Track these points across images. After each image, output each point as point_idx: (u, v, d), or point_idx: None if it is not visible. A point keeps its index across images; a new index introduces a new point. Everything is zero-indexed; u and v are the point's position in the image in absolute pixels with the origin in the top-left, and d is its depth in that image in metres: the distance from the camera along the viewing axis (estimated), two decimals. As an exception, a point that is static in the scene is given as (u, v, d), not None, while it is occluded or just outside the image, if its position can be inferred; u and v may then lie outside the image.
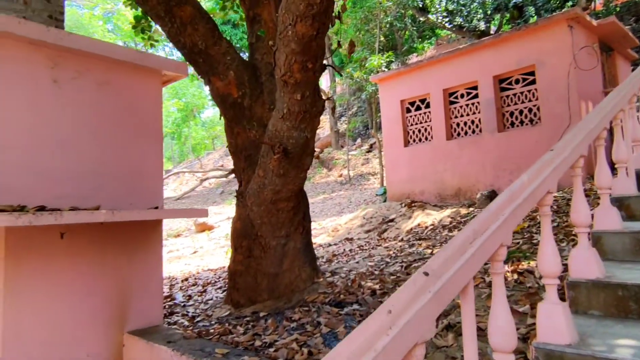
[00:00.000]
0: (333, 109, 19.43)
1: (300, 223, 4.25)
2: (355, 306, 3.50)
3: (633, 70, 8.57)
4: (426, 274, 1.48)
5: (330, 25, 3.71)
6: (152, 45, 6.62)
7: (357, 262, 5.05)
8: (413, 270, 4.13)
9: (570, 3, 12.36)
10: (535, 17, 13.39)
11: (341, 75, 19.24)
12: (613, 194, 3.54)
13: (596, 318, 2.49)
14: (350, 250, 6.26)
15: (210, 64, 4.27)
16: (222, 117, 4.56)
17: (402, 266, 4.41)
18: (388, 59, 12.44)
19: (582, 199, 2.65)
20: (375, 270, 4.45)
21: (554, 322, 2.19)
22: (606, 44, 7.93)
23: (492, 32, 14.66)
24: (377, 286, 3.76)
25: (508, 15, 14.77)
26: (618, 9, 20.22)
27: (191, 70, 5.50)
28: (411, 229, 6.80)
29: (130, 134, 3.43)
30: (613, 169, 3.61)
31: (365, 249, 6.06)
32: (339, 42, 4.30)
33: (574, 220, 2.67)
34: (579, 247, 2.66)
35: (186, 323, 3.85)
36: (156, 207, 3.43)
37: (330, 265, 5.14)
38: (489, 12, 14.93)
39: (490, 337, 1.86)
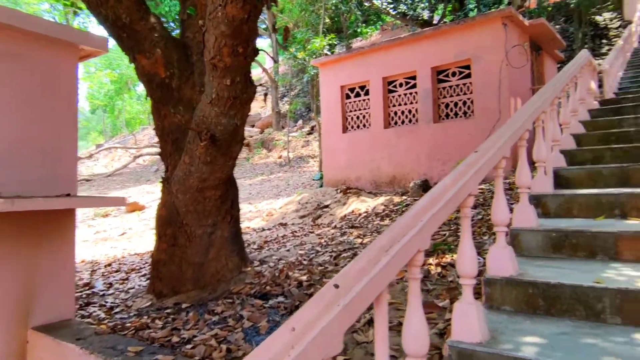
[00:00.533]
0: (275, 88, 19.12)
1: (228, 212, 4.11)
2: (281, 298, 3.45)
3: (559, 69, 9.06)
4: (336, 286, 1.42)
5: (266, 7, 3.54)
6: (75, 13, 6.08)
7: (288, 250, 5.00)
8: (341, 261, 4.14)
9: (507, 0, 12.80)
10: (475, 10, 13.76)
11: (276, 62, 18.93)
12: (532, 192, 3.70)
13: (508, 314, 2.60)
14: (283, 236, 6.21)
15: (135, 40, 3.97)
16: (147, 98, 4.28)
17: (331, 256, 4.41)
18: (331, 41, 12.34)
19: (502, 199, 2.72)
20: (305, 259, 4.42)
21: (468, 321, 2.25)
22: (536, 43, 8.30)
23: (435, 21, 14.93)
24: (304, 277, 3.73)
25: (450, 6, 15.07)
26: (550, 8, 21.32)
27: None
28: (345, 216, 6.86)
29: (42, 113, 3.11)
30: (533, 168, 3.78)
31: (298, 236, 6.03)
32: (287, 28, 4.14)
33: (493, 219, 2.75)
34: (497, 245, 2.75)
35: (102, 315, 3.63)
36: (68, 194, 3.15)
37: (261, 253, 5.06)
38: (432, 1, 15.16)
39: (404, 342, 1.86)
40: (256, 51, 3.54)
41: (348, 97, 9.02)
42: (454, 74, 7.57)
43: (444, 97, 7.68)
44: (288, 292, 3.55)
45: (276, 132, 19.51)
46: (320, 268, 3.99)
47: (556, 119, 4.23)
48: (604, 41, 21.39)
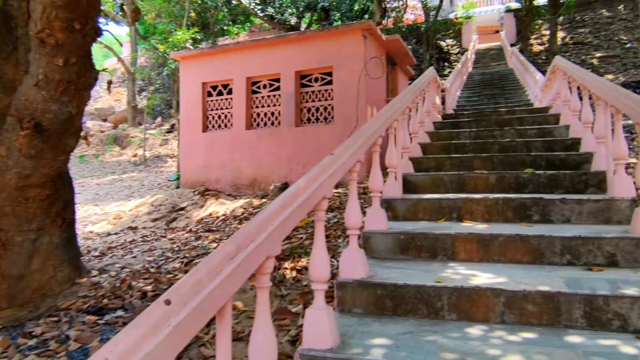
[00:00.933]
0: (132, 81, 17.63)
1: (59, 214, 3.53)
2: (120, 312, 3.04)
3: (409, 84, 9.85)
4: (168, 302, 1.21)
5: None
6: None
7: (135, 257, 4.51)
8: (193, 267, 3.84)
9: (367, 16, 13.64)
10: (340, 21, 14.38)
11: (134, 52, 17.55)
12: (383, 196, 3.86)
13: (358, 316, 2.61)
14: (132, 241, 5.62)
15: None
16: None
17: (182, 262, 4.08)
18: (194, 35, 11.75)
19: (356, 203, 2.74)
20: (153, 267, 4.01)
21: (319, 327, 2.18)
22: (391, 58, 8.93)
23: (302, 28, 15.24)
24: (149, 287, 3.36)
25: (317, 15, 15.51)
26: (404, 29, 23.44)
27: None
28: (202, 219, 6.50)
29: None
30: (385, 173, 3.96)
31: (149, 240, 5.51)
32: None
33: (347, 222, 2.75)
34: (349, 248, 2.76)
35: None
36: None
37: (102, 261, 4.48)
38: (300, 9, 15.45)
39: (250, 354, 1.71)
40: (98, 31, 3.09)
41: (210, 95, 8.64)
42: (316, 80, 7.74)
43: (307, 101, 7.80)
44: (129, 304, 3.15)
45: (132, 128, 17.98)
46: (169, 276, 3.64)
47: (406, 128, 4.51)
48: (446, 64, 24.23)
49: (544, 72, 17.27)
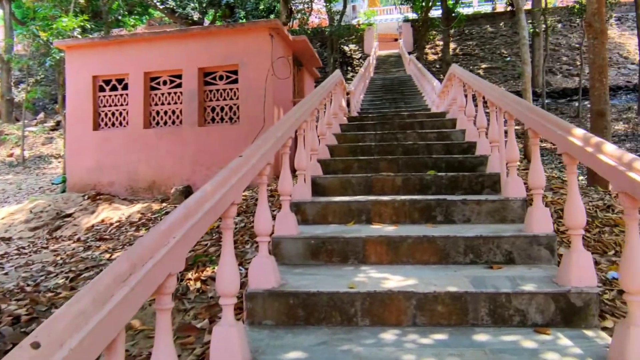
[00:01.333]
0: (7, 71, 15.64)
1: None
2: (-15, 343, 2.55)
3: (316, 86, 9.90)
4: (36, 345, 0.95)
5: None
6: None
7: (7, 274, 3.89)
8: (81, 282, 3.39)
9: (273, 16, 13.50)
10: (245, 20, 14.07)
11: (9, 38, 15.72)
12: (293, 200, 3.75)
13: (270, 329, 2.46)
14: (4, 254, 4.88)
15: None
16: None
17: (67, 278, 3.59)
18: (84, 23, 10.68)
19: (265, 208, 2.59)
20: (29, 284, 3.48)
21: (228, 346, 1.99)
22: (298, 59, 8.89)
23: (205, 25, 14.63)
24: (23, 310, 2.88)
25: (221, 12, 15.03)
26: (309, 32, 23.71)
27: None
28: (93, 226, 5.88)
29: None
30: (294, 176, 3.85)
31: (26, 253, 4.83)
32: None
33: (256, 229, 2.59)
34: (259, 256, 2.59)
35: None
36: None
37: (-36, 280, 3.80)
38: (203, 4, 14.86)
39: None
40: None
41: (102, 89, 7.89)
42: (221, 78, 7.42)
43: (211, 100, 7.45)
44: (-3, 332, 2.67)
45: (7, 124, 15.95)
46: (49, 295, 3.17)
47: (315, 130, 4.45)
48: (349, 68, 24.97)
49: (438, 79, 18.50)
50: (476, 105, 5.01)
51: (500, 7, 28.29)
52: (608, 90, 6.53)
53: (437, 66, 23.34)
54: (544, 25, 19.36)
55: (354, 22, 27.86)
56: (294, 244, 3.12)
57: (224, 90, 7.40)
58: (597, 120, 6.51)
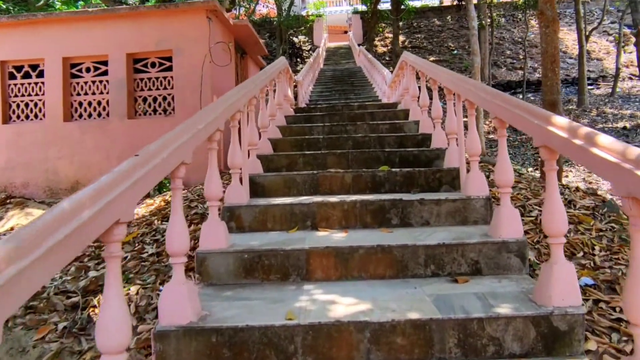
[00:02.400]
0: None
1: None
2: None
3: (261, 76, 9.27)
4: None
5: None
6: None
7: None
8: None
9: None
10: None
11: None
12: (226, 204, 3.19)
13: (186, 377, 1.92)
14: None
15: None
16: None
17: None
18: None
19: (181, 222, 2.03)
20: None
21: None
22: (241, 46, 8.24)
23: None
24: None
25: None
26: (257, 21, 22.90)
27: None
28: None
29: None
30: (228, 175, 3.29)
31: None
32: None
33: (169, 248, 2.02)
34: (173, 282, 2.02)
35: None
36: None
37: None
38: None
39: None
40: None
41: (13, 77, 6.89)
42: (153, 65, 6.66)
43: (142, 89, 6.67)
44: None
45: None
46: None
47: (254, 122, 3.89)
48: (299, 60, 24.39)
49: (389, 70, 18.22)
50: (431, 97, 4.63)
51: (447, 1, 28.58)
52: (559, 80, 6.36)
53: (387, 58, 23.22)
54: (489, 20, 19.60)
55: (303, 12, 27.26)
56: (223, 259, 2.57)
57: (157, 78, 6.64)
58: (549, 110, 6.33)
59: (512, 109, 2.47)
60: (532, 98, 19.56)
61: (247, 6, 18.18)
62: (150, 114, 6.65)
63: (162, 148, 1.91)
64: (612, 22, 24.73)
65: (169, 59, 6.60)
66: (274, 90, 5.41)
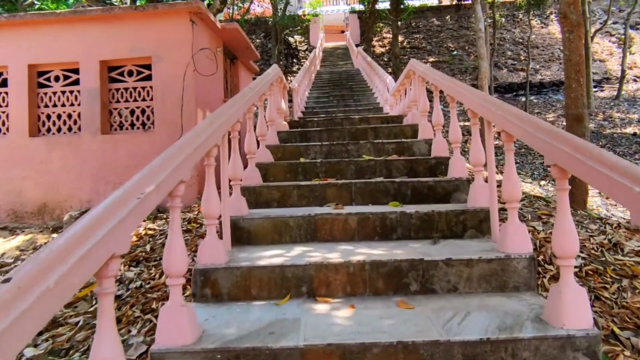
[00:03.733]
0: None
1: None
2: None
3: (253, 83, 8.57)
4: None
5: None
6: None
7: None
8: None
9: (206, 2, 11.94)
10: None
11: None
12: (198, 265, 2.51)
13: None
14: None
15: None
16: None
17: None
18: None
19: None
20: None
21: None
22: (231, 51, 7.53)
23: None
24: None
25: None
26: (251, 20, 22.15)
27: None
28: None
29: None
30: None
31: None
32: None
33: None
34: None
35: None
36: None
37: None
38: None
39: None
40: None
41: (-26, 86, 6.18)
42: (131, 74, 5.94)
43: (118, 101, 5.96)
44: None
45: None
46: None
47: (237, 150, 3.20)
48: (295, 60, 23.68)
49: (389, 74, 17.56)
50: (448, 112, 3.96)
51: (446, 1, 27.97)
52: (585, 91, 5.70)
53: (385, 59, 22.56)
54: (490, 20, 18.97)
55: (300, 12, 26.54)
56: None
57: (135, 89, 5.92)
58: (573, 125, 5.67)
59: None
60: (535, 101, 18.97)
61: (241, 5, 17.42)
62: (127, 129, 5.93)
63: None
64: (614, 23, 24.14)
65: (148, 67, 5.88)
66: (265, 105, 4.74)
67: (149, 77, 5.89)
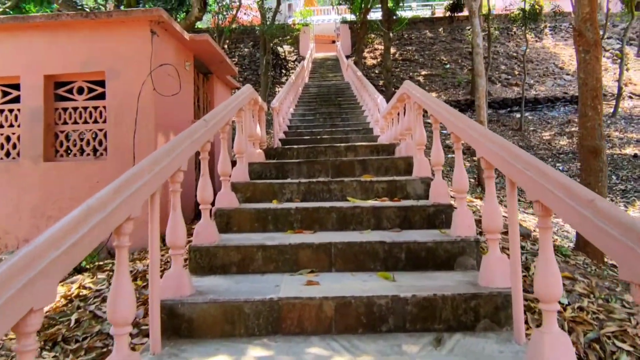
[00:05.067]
0: None
1: None
2: None
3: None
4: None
5: None
6: None
7: None
8: None
9: (185, 8, 11.19)
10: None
11: None
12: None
13: None
14: None
15: None
16: None
17: None
18: None
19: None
20: None
21: None
22: (204, 65, 6.74)
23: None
24: None
25: (125, 1, 12.42)
26: (241, 28, 21.38)
27: None
28: None
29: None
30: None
31: None
32: None
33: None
34: None
35: None
36: None
37: None
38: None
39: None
40: None
41: None
42: (81, 91, 5.12)
43: (65, 122, 5.12)
44: None
45: None
46: None
47: (178, 207, 2.40)
48: (284, 71, 22.96)
49: (377, 87, 16.88)
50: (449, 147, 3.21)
51: (439, 12, 27.54)
52: (602, 121, 5.00)
53: (377, 72, 21.95)
54: (483, 33, 18.43)
55: (289, 21, 25.90)
56: None
57: (85, 109, 5.10)
58: (589, 159, 4.96)
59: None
60: (529, 117, 18.40)
61: (225, 14, 16.66)
62: (75, 155, 5.09)
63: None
64: (608, 38, 23.79)
65: (102, 84, 5.07)
66: (233, 133, 3.96)
67: (102, 96, 5.07)
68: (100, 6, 12.51)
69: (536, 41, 23.72)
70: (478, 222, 3.41)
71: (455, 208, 3.14)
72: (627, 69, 19.63)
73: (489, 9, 18.75)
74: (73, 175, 4.94)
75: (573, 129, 16.84)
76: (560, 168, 12.82)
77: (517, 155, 2.04)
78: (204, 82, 6.98)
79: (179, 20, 10.97)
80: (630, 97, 19.56)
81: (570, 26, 26.60)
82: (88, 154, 5.06)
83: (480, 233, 3.60)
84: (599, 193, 4.93)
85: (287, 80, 19.16)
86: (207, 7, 11.62)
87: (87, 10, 11.61)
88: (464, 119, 2.86)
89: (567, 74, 22.26)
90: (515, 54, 23.55)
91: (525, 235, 4.57)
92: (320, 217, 3.49)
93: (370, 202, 3.74)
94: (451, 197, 4.07)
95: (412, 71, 22.85)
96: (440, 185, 3.58)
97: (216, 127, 3.17)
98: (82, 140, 5.07)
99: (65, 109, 5.12)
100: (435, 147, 3.57)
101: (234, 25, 18.58)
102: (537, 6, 18.72)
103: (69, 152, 5.09)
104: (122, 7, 11.56)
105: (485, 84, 9.84)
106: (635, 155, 12.89)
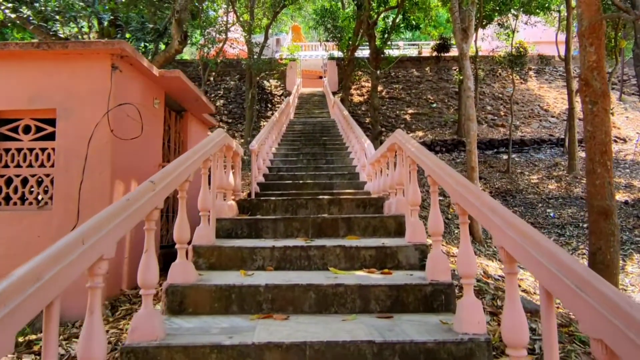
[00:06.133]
0: None
1: None
2: None
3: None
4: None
5: None
6: None
7: None
8: None
9: (166, 40, 10.73)
10: (132, 43, 11.06)
11: None
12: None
13: None
14: None
15: None
16: None
17: None
18: None
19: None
20: None
21: None
22: (177, 102, 6.17)
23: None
24: None
25: (105, 31, 11.92)
26: (227, 61, 21.10)
27: None
28: None
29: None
30: None
31: None
32: None
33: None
34: None
35: None
36: None
37: None
38: (74, 17, 11.78)
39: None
40: None
41: None
42: (27, 130, 4.48)
43: (7, 165, 4.44)
44: None
45: None
46: None
47: (97, 311, 1.74)
48: (270, 105, 22.59)
49: (364, 124, 16.48)
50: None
51: (425, 52, 27.79)
52: (613, 179, 4.51)
53: (363, 109, 21.71)
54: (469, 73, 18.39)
55: (277, 55, 25.77)
56: None
57: (32, 150, 4.44)
58: (599, 221, 4.44)
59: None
60: (516, 159, 18.16)
61: (210, 47, 16.30)
62: (15, 204, 4.39)
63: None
64: (591, 82, 24.01)
65: (53, 123, 4.44)
66: (197, 186, 3.35)
67: (52, 136, 4.43)
68: (80, 36, 11.97)
69: (521, 83, 23.87)
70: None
71: (459, 291, 2.54)
72: (612, 114, 19.72)
73: (476, 51, 18.80)
74: (9, 228, 4.22)
75: (560, 172, 16.62)
76: (552, 215, 12.41)
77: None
78: (177, 121, 6.39)
79: (159, 51, 10.47)
80: (615, 141, 19.55)
81: (554, 69, 27.00)
82: (31, 203, 4.37)
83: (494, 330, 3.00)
84: (611, 259, 4.39)
85: (272, 114, 18.73)
86: (191, 40, 11.18)
87: (62, 37, 11.06)
88: (474, 191, 2.30)
89: (552, 116, 22.35)
90: (500, 95, 23.66)
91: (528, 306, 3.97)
92: (294, 296, 2.85)
93: (356, 275, 3.13)
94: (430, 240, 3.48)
95: (398, 109, 22.70)
96: (440, 260, 2.99)
97: (168, 189, 2.55)
98: (24, 186, 4.39)
99: (7, 150, 4.45)
100: (433, 215, 3.00)
101: (219, 59, 18.23)
102: (521, 49, 18.83)
103: (8, 199, 4.39)
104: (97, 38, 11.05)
105: (476, 128, 9.46)
106: (626, 202, 12.57)
